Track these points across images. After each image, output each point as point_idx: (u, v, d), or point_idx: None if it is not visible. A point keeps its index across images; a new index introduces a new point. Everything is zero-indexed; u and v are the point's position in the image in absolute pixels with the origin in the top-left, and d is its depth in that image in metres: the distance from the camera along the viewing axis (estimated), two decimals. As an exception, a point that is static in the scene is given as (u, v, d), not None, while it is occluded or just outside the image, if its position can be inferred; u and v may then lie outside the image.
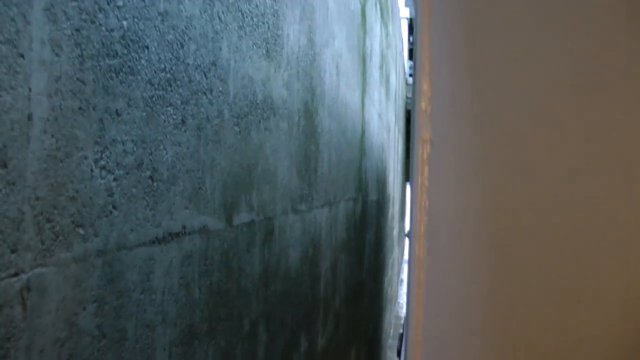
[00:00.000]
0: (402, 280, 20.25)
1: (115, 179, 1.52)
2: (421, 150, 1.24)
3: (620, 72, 1.18)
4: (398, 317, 15.54)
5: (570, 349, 1.20)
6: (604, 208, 1.18)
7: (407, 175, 27.61)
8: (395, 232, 16.45)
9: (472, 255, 1.23)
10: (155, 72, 1.71)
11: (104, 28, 1.47)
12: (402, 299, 17.86)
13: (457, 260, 1.23)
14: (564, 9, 1.22)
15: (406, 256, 26.24)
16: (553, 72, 1.20)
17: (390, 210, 13.45)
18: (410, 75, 24.02)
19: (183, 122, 1.89)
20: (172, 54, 1.81)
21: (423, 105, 1.24)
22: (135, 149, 1.61)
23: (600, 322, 1.20)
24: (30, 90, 1.21)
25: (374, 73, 8.29)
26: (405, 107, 21.72)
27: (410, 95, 22.25)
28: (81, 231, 1.39)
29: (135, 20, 1.61)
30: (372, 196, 8.36)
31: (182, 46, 1.88)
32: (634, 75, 1.18)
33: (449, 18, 1.23)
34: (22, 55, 1.19)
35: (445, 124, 1.23)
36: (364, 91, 6.86)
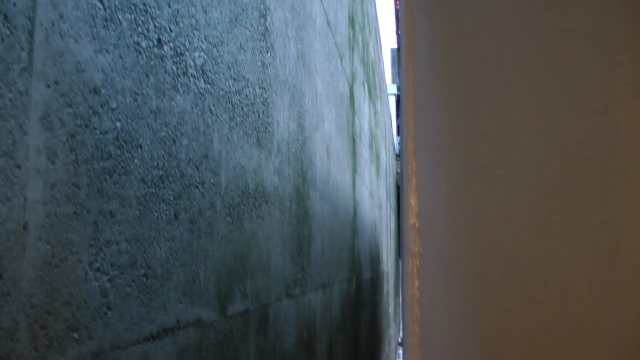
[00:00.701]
0: (399, 356, 20.01)
1: (109, 280, 1.53)
2: (411, 264, 1.27)
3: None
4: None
5: None
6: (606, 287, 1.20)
7: (400, 251, 27.53)
8: (391, 309, 16.33)
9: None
10: (148, 170, 1.74)
11: (98, 131, 1.51)
12: (400, 376, 17.60)
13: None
14: (552, 109, 1.26)
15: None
16: (540, 181, 1.24)
17: (385, 288, 13.39)
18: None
19: (176, 217, 1.91)
20: (164, 151, 1.84)
21: (411, 220, 1.27)
22: (129, 248, 1.63)
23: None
24: (25, 199, 1.24)
25: (364, 152, 8.38)
26: (396, 183, 21.83)
27: (400, 170, 22.39)
28: (75, 335, 1.39)
29: (129, 120, 1.65)
30: (366, 275, 8.34)
31: (174, 142, 1.91)
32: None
33: (432, 137, 1.28)
34: (18, 166, 1.22)
35: (433, 237, 1.26)
36: (354, 171, 6.93)
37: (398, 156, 23.96)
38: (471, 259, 1.25)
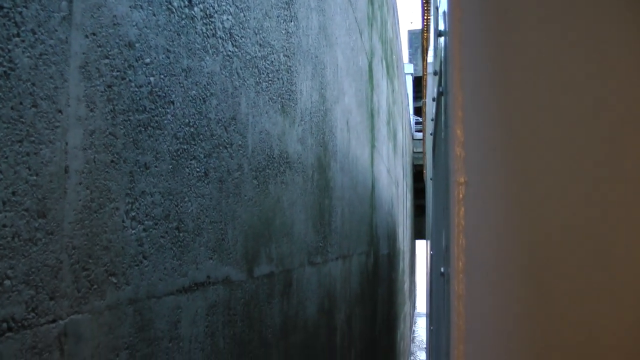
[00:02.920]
0: (414, 331, 20.10)
1: (144, 230, 1.57)
2: (457, 192, 1.29)
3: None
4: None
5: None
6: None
7: (416, 231, 27.53)
8: (406, 286, 16.37)
9: (508, 289, 1.27)
10: (180, 126, 1.77)
11: (133, 84, 1.54)
12: (414, 352, 17.68)
13: (495, 294, 1.27)
14: (597, 55, 1.28)
15: (419, 309, 26.03)
16: (584, 112, 1.26)
17: (401, 265, 13.43)
18: (418, 131, 24.19)
19: (206, 174, 1.94)
20: (195, 109, 1.87)
21: (457, 150, 1.30)
22: (162, 201, 1.66)
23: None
24: (67, 144, 1.27)
25: (382, 129, 8.39)
26: (413, 163, 21.82)
27: (417, 149, 22.38)
28: (114, 280, 1.43)
29: (162, 76, 1.68)
30: (383, 250, 8.38)
31: (204, 101, 1.94)
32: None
33: (479, 63, 1.29)
34: (60, 111, 1.25)
35: (479, 166, 1.28)
36: (373, 147, 6.94)
37: (418, 131, 23.89)
38: (515, 187, 1.28)
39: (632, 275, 1.26)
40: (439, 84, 3.18)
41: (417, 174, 23.25)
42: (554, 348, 1.28)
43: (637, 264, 1.26)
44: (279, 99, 2.80)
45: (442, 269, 2.48)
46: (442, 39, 2.37)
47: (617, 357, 1.26)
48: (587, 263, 1.26)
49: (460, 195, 1.31)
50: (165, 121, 1.69)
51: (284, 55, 2.93)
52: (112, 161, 1.43)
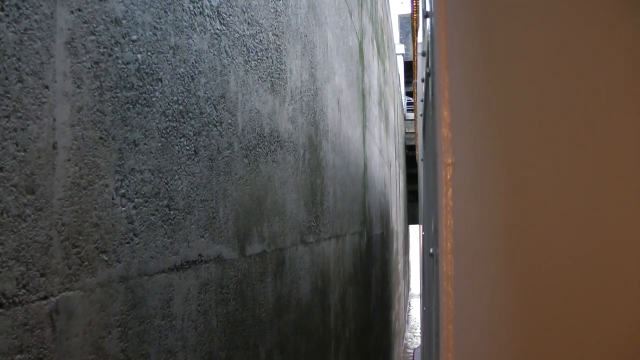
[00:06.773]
0: (410, 308, 20.17)
1: (135, 207, 1.56)
2: (444, 174, 1.30)
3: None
4: (407, 352, 15.44)
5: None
6: (630, 221, 1.22)
7: (410, 216, 27.52)
8: (400, 266, 16.42)
9: (497, 270, 1.27)
10: (169, 104, 1.76)
11: (120, 61, 1.52)
12: (409, 333, 17.76)
13: (483, 275, 1.27)
14: (579, 35, 1.27)
15: (414, 290, 26.12)
16: (568, 92, 1.25)
17: (395, 245, 13.46)
18: (409, 110, 24.18)
19: (196, 152, 1.93)
20: (183, 87, 1.86)
21: (444, 131, 1.30)
22: (152, 178, 1.66)
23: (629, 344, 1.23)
24: (54, 120, 1.26)
25: (373, 109, 8.38)
26: (406, 143, 21.82)
27: (409, 130, 22.37)
28: (105, 257, 1.43)
29: (149, 53, 1.67)
30: (377, 230, 8.39)
31: (193, 79, 1.93)
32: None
33: (466, 44, 1.29)
34: (46, 87, 1.24)
35: (466, 148, 1.29)
36: (364, 127, 6.93)
37: (410, 110, 23.87)
38: (503, 168, 1.28)
39: (622, 249, 1.26)
40: (427, 65, 3.18)
41: (410, 158, 23.20)
42: (543, 328, 1.28)
43: (625, 234, 1.26)
44: (269, 77, 2.79)
45: (431, 250, 2.49)
46: (429, 20, 2.36)
47: (608, 330, 1.26)
48: (576, 241, 1.27)
49: (448, 176, 1.31)
50: (154, 98, 1.68)
51: (273, 34, 2.91)
52: (100, 138, 1.42)
